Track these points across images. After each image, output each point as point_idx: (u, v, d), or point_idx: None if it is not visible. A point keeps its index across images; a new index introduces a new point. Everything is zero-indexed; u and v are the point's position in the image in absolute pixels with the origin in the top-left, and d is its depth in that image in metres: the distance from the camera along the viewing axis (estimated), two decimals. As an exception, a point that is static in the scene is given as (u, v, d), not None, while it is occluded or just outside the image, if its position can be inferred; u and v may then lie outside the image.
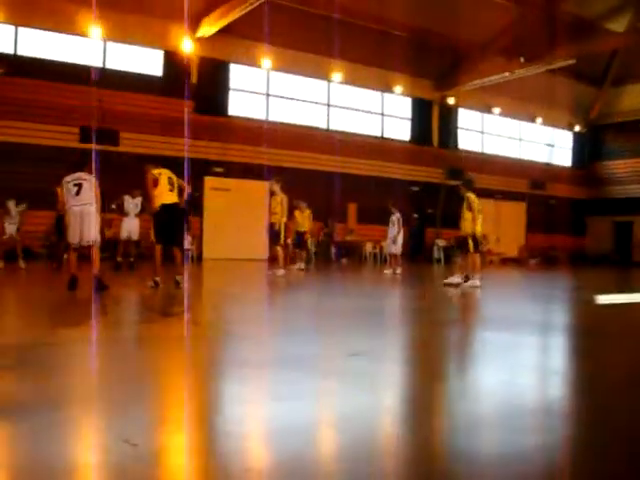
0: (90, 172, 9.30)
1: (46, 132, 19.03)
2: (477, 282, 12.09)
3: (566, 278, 19.20)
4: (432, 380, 4.35)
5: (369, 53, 23.99)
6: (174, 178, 9.92)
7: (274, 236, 14.11)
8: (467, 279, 12.58)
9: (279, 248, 14.13)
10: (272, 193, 14.15)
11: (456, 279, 12.26)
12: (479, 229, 12.36)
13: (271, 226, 14.21)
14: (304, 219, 17.12)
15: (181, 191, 10.05)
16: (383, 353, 5.16)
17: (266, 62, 22.63)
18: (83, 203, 9.05)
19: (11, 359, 4.32)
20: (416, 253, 26.40)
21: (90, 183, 9.12)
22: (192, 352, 4.89)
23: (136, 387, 3.71)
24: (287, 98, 24.30)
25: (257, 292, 11.35)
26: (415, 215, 26.50)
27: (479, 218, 12.26)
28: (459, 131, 29.30)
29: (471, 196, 12.29)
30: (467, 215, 12.28)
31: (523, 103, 29.83)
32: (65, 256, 13.81)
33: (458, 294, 11.16)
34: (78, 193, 9.04)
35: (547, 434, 3.00)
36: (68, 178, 9.21)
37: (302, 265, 17.32)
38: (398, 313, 8.75)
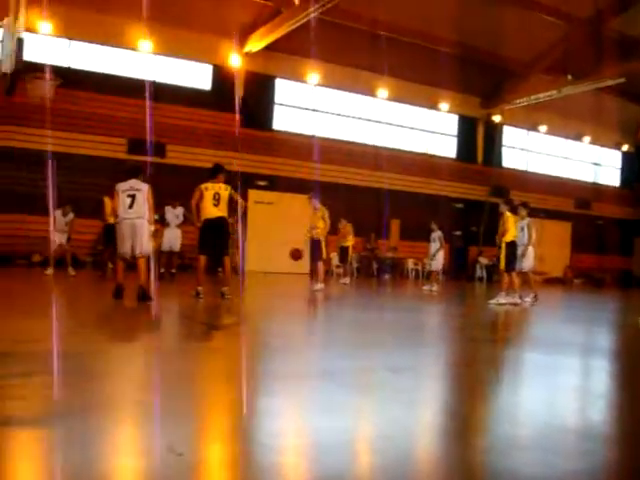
0: (143, 180, 9.40)
1: (95, 143, 19.46)
2: (509, 300, 12.09)
3: (611, 300, 18.88)
4: (472, 398, 4.32)
5: (415, 70, 24.00)
6: (222, 194, 10.01)
7: (315, 250, 14.13)
8: (536, 298, 13.04)
9: (320, 263, 14.17)
10: (314, 208, 14.20)
11: (502, 299, 12.18)
12: (509, 238, 12.39)
13: (312, 241, 14.23)
14: (346, 234, 17.43)
15: (234, 204, 10.23)
16: (423, 369, 5.16)
17: (312, 77, 22.80)
18: (136, 217, 9.12)
19: (58, 365, 4.41)
20: (459, 271, 26.21)
21: (143, 194, 9.14)
22: (234, 363, 4.94)
23: (180, 397, 3.76)
24: (332, 113, 24.43)
25: (298, 305, 11.40)
26: (458, 233, 26.34)
27: (510, 231, 12.41)
28: (504, 149, 29.11)
29: (507, 214, 12.45)
30: (500, 229, 12.51)
31: (570, 121, 29.49)
32: (110, 265, 14.10)
33: (498, 313, 11.07)
34: (131, 206, 9.08)
35: (588, 457, 2.97)
36: (122, 187, 9.21)
37: (347, 280, 17.48)
38: (438, 330, 8.71)
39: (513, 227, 12.44)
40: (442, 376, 5.10)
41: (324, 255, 14.27)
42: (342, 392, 4.08)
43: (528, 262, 13.26)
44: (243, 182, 19.00)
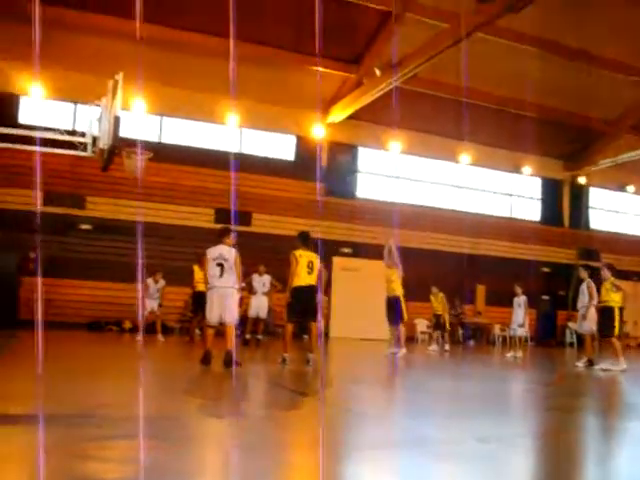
0: (231, 244, 9.64)
1: (184, 213, 20.21)
2: (618, 367, 11.79)
3: None
4: (566, 470, 4.20)
5: (497, 134, 24.02)
6: (315, 262, 10.16)
7: (394, 312, 13.74)
8: (591, 363, 12.57)
9: (401, 326, 13.89)
10: (395, 264, 14.03)
11: (609, 365, 11.93)
12: (619, 304, 12.14)
13: (389, 300, 13.93)
14: (438, 303, 17.35)
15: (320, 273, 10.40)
16: (512, 439, 5.04)
17: (394, 145, 23.06)
18: (225, 286, 9.39)
19: (147, 429, 4.52)
20: (547, 336, 25.53)
21: (230, 263, 9.38)
22: (320, 431, 4.96)
23: (264, 464, 3.82)
24: (415, 180, 24.63)
25: (382, 372, 11.35)
26: (546, 297, 25.78)
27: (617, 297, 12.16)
28: (591, 210, 28.53)
29: (611, 278, 12.31)
30: (614, 296, 12.17)
31: (659, 181, 28.71)
32: (197, 331, 14.44)
33: (591, 379, 10.73)
34: (221, 275, 9.37)
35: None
36: (212, 253, 9.47)
37: (446, 346, 17.24)
38: (526, 398, 8.51)
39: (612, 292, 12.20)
40: (532, 446, 4.98)
41: (405, 317, 13.99)
42: (430, 462, 4.06)
43: (589, 324, 12.95)
44: (328, 250, 19.28)
